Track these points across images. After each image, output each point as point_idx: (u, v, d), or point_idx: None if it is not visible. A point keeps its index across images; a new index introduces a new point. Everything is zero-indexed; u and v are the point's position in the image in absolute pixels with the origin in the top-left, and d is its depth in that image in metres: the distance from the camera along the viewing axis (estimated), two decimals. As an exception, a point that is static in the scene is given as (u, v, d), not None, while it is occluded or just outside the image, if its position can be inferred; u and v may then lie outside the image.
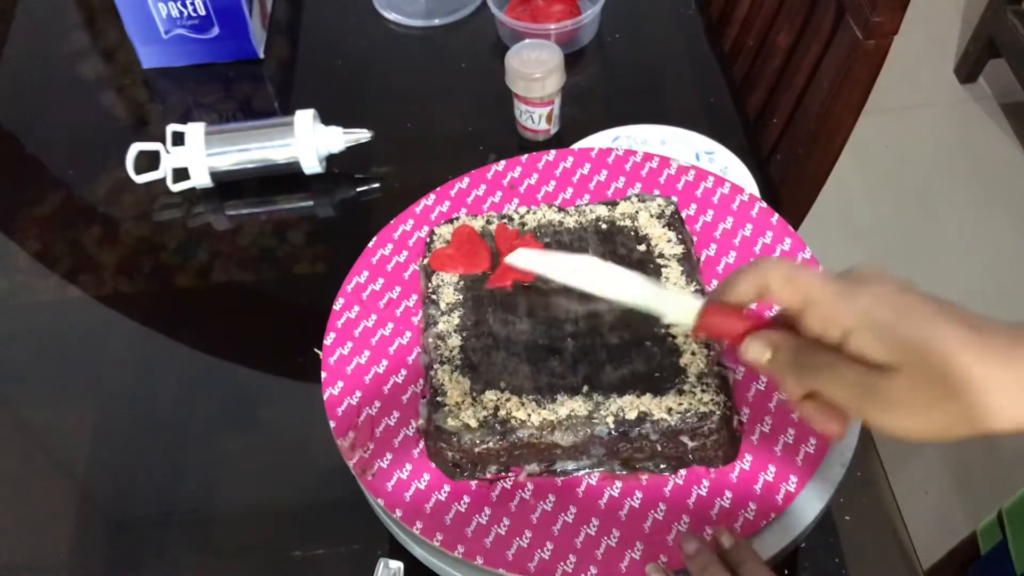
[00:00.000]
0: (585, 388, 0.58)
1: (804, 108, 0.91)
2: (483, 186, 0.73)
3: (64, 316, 0.84)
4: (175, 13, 0.95)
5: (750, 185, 0.81)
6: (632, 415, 0.56)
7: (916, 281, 0.42)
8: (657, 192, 0.71)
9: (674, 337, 0.60)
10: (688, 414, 0.56)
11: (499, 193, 0.73)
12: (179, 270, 0.84)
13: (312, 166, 0.86)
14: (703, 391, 0.57)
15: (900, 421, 0.40)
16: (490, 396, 0.58)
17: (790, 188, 0.94)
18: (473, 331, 0.62)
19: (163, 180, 0.87)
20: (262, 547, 0.69)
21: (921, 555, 0.65)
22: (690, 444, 0.56)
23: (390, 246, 0.71)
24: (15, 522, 0.71)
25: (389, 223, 0.72)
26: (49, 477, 0.75)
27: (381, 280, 0.69)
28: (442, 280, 0.65)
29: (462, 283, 0.65)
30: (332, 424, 0.61)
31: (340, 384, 0.63)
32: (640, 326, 0.61)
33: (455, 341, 0.62)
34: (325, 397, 0.62)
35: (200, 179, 0.86)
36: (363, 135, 0.87)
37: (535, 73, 0.84)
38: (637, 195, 0.69)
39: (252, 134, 0.86)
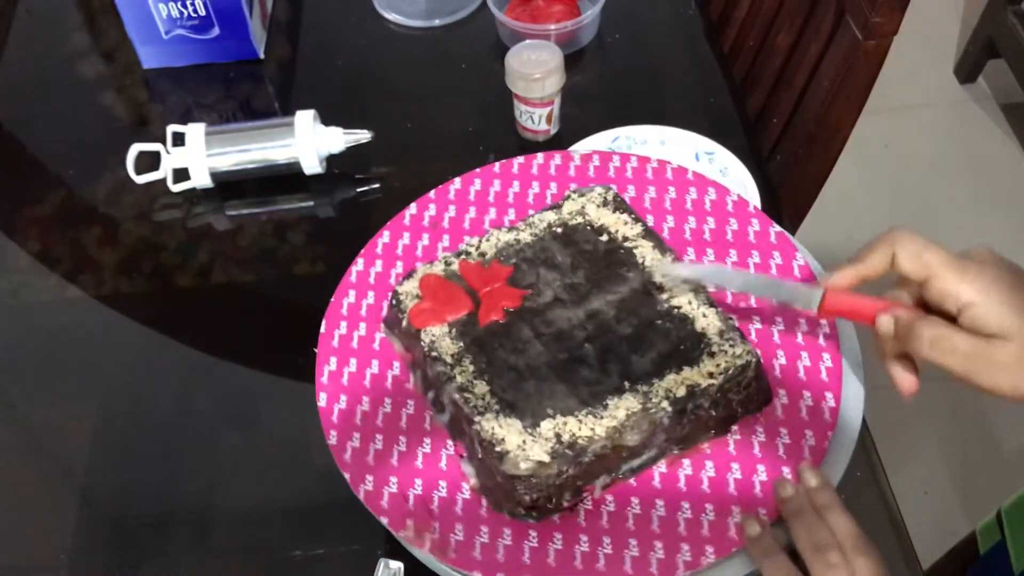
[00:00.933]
0: (625, 384, 0.58)
1: (804, 108, 0.91)
2: (406, 234, 0.71)
3: (64, 316, 0.84)
4: (175, 13, 0.95)
5: (750, 185, 0.81)
6: (682, 392, 0.57)
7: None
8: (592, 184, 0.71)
9: (679, 307, 0.61)
10: (729, 371, 0.57)
11: (426, 236, 0.71)
12: (179, 270, 0.85)
13: (312, 166, 0.86)
14: (731, 346, 0.58)
15: (1008, 382, 0.47)
16: (547, 426, 0.56)
17: (790, 188, 0.94)
18: (493, 372, 0.60)
19: (163, 180, 0.87)
20: (262, 547, 0.69)
21: (921, 555, 0.65)
22: (736, 399, 0.58)
23: (344, 324, 0.66)
24: (15, 522, 0.71)
25: (331, 301, 0.68)
26: (49, 477, 0.75)
27: (354, 360, 0.65)
28: (433, 335, 0.62)
29: (454, 331, 0.62)
30: (385, 520, 0.57)
31: (370, 478, 0.59)
32: (641, 308, 0.62)
33: (481, 388, 0.59)
34: (361, 496, 0.59)
35: (200, 179, 0.86)
36: (363, 135, 0.87)
37: (535, 73, 0.84)
38: (576, 191, 0.69)
39: (252, 134, 0.86)
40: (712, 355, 0.58)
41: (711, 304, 0.61)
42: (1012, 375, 0.46)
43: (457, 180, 0.73)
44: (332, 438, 0.61)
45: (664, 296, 0.62)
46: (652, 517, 0.56)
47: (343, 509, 0.67)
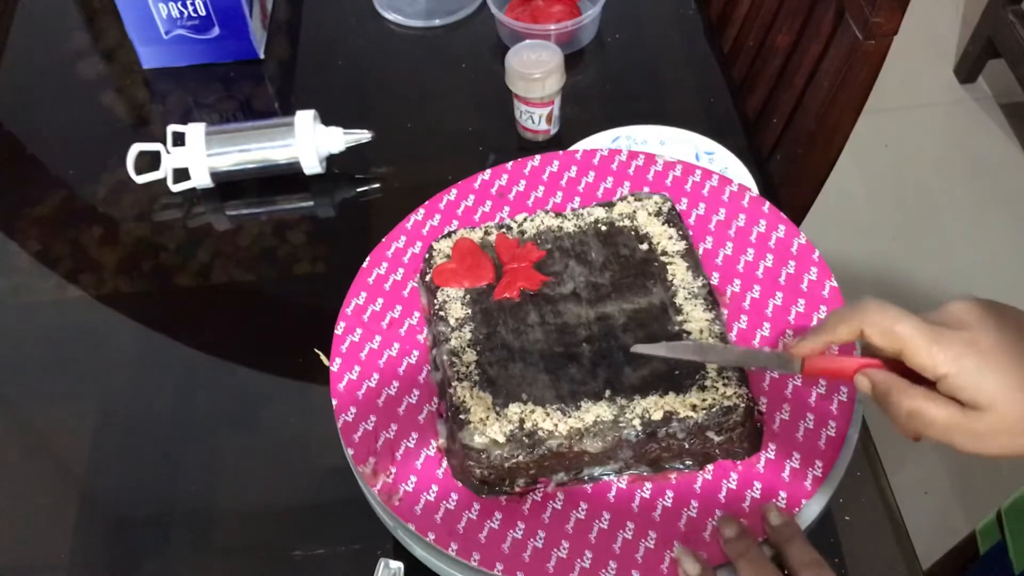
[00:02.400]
0: (608, 392, 0.58)
1: (804, 108, 0.91)
2: (472, 196, 0.73)
3: (64, 316, 0.84)
4: (175, 13, 0.95)
5: (750, 185, 0.81)
6: (658, 416, 0.56)
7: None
8: (646, 189, 0.71)
9: (688, 333, 0.60)
10: (713, 409, 0.56)
11: (489, 202, 0.72)
12: (179, 270, 0.85)
13: (312, 166, 0.86)
14: (724, 385, 0.57)
15: (993, 448, 0.45)
16: (514, 409, 0.57)
17: (790, 188, 0.94)
18: (487, 345, 0.61)
19: (163, 180, 0.87)
20: (262, 547, 0.69)
21: (921, 555, 0.65)
22: (716, 439, 0.56)
23: (385, 265, 0.70)
24: (15, 522, 0.71)
25: (381, 242, 0.71)
26: (49, 477, 0.75)
27: (381, 300, 0.68)
28: (448, 295, 0.64)
29: (468, 297, 0.64)
30: (350, 452, 0.60)
31: (353, 410, 0.62)
32: (653, 323, 0.62)
33: (470, 356, 0.61)
34: (339, 424, 0.61)
35: (200, 179, 0.86)
36: (363, 135, 0.87)
37: (535, 73, 0.84)
38: (633, 194, 0.69)
39: (252, 134, 0.86)
40: (703, 388, 0.57)
41: (723, 339, 0.60)
42: (995, 442, 0.45)
43: (537, 158, 0.74)
44: (335, 365, 0.64)
45: (679, 318, 0.61)
46: (593, 526, 0.56)
47: (343, 509, 0.68)
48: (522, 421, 0.57)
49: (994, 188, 1.80)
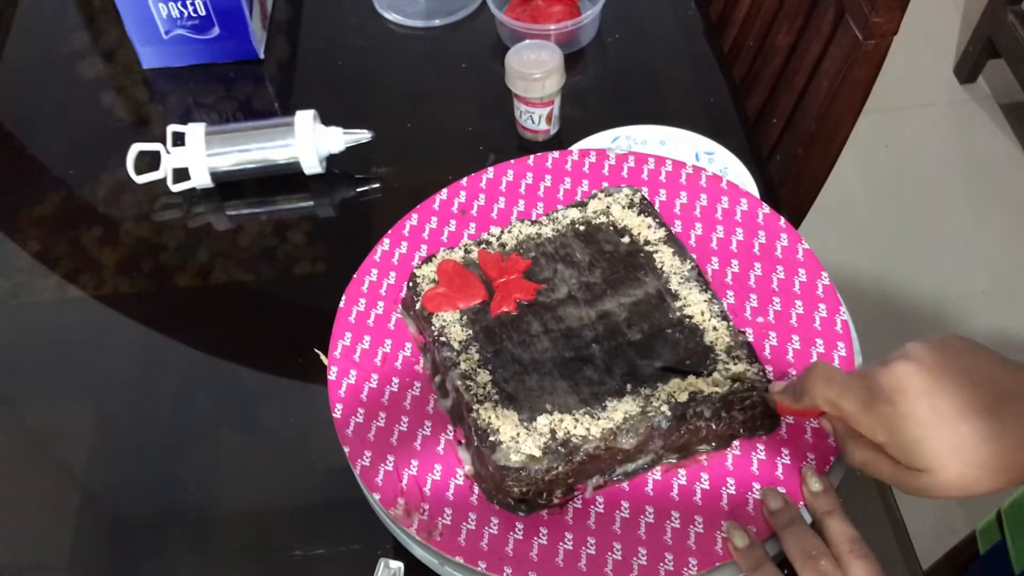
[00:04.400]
0: (628, 387, 0.58)
1: (804, 108, 0.91)
2: (434, 218, 0.72)
3: (64, 316, 0.84)
4: (175, 13, 0.95)
5: (750, 185, 0.81)
6: (683, 397, 0.57)
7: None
8: (623, 188, 0.71)
9: (691, 317, 0.61)
10: (735, 386, 0.57)
11: (453, 222, 0.71)
12: (179, 270, 0.85)
13: (312, 166, 0.86)
14: (735, 363, 0.58)
15: (931, 497, 0.48)
16: (543, 421, 0.57)
17: (790, 188, 0.94)
18: (497, 362, 0.60)
19: (163, 180, 0.87)
20: (262, 547, 0.69)
21: (921, 555, 0.65)
22: (740, 417, 0.57)
23: (363, 301, 0.68)
24: (15, 522, 0.71)
25: (352, 278, 0.69)
26: (49, 477, 0.75)
27: (368, 338, 0.66)
28: (444, 320, 0.63)
29: (465, 318, 0.63)
30: (377, 496, 0.58)
31: (368, 454, 0.60)
32: (654, 313, 0.62)
33: (484, 377, 0.59)
34: (358, 471, 0.60)
35: (200, 179, 0.86)
36: (363, 135, 0.87)
37: (535, 73, 0.84)
38: (603, 190, 0.69)
39: (252, 134, 0.86)
40: (717, 370, 0.58)
41: (724, 317, 0.61)
42: (938, 494, 0.47)
43: (491, 170, 0.74)
44: (337, 411, 0.62)
45: (678, 304, 0.62)
46: (640, 523, 0.56)
47: (343, 509, 0.68)
48: (553, 432, 0.56)
49: (994, 188, 1.80)
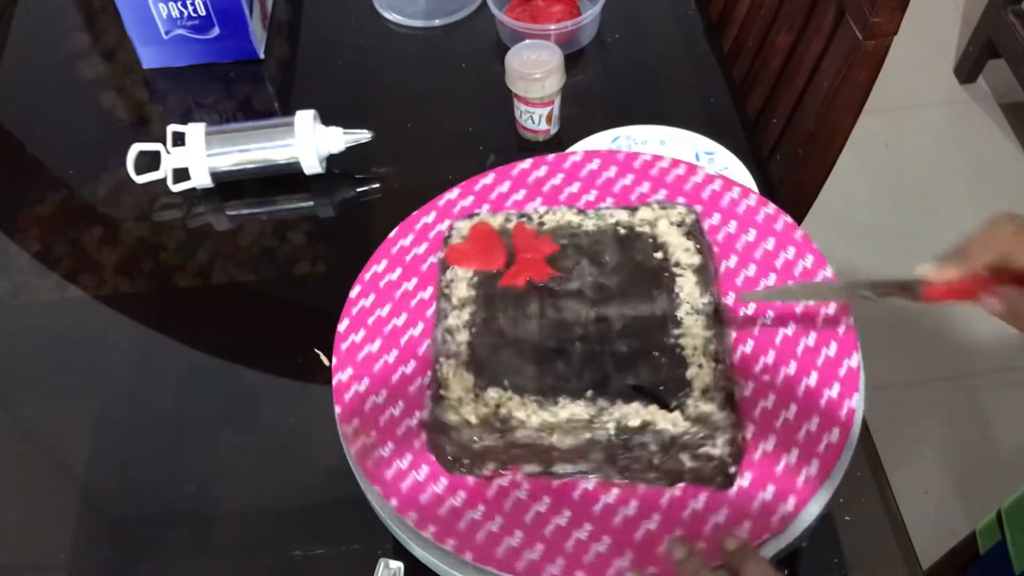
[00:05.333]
0: (589, 392, 0.58)
1: (804, 108, 0.91)
2: (507, 183, 0.73)
3: (64, 316, 0.84)
4: (175, 13, 0.95)
5: (750, 185, 0.81)
6: (635, 423, 0.56)
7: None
8: (683, 200, 0.70)
9: (683, 348, 0.60)
10: (691, 429, 0.55)
11: (523, 191, 0.73)
12: (179, 270, 0.84)
13: (312, 166, 0.86)
14: (706, 404, 0.56)
15: None
16: (492, 394, 0.58)
17: (790, 188, 0.94)
18: (482, 328, 0.62)
19: (163, 180, 0.87)
20: (262, 547, 0.69)
21: (921, 555, 0.65)
22: (688, 464, 0.56)
23: (411, 237, 0.71)
24: (15, 522, 0.71)
25: (411, 214, 0.72)
26: (49, 477, 0.75)
27: (399, 270, 0.69)
28: (456, 275, 0.65)
29: (476, 279, 0.65)
30: (338, 409, 0.61)
31: (350, 371, 0.63)
32: (650, 333, 0.61)
33: (463, 337, 0.62)
34: (334, 383, 0.63)
35: (200, 179, 0.86)
36: (363, 135, 0.87)
37: (535, 73, 0.84)
38: (659, 202, 0.68)
39: (252, 134, 0.86)
40: (684, 407, 0.57)
41: (717, 359, 0.59)
42: None
43: (579, 153, 0.74)
44: (342, 326, 0.66)
45: (677, 332, 0.61)
46: (550, 521, 0.56)
47: (343, 509, 0.68)
48: (498, 407, 0.58)
49: (994, 188, 1.80)
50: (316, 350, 0.72)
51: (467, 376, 0.60)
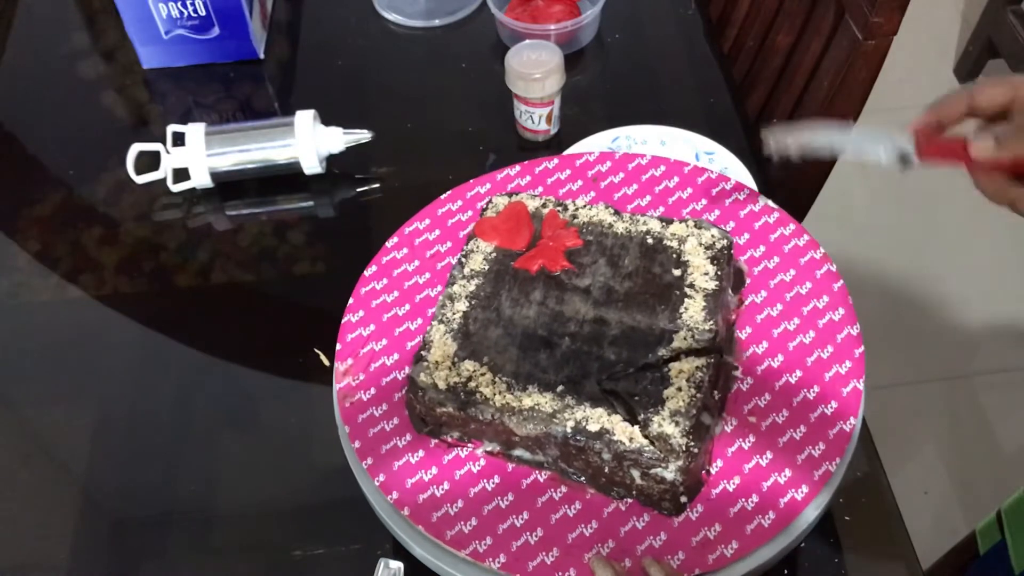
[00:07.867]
0: (560, 388, 0.58)
1: (804, 108, 0.91)
2: (568, 171, 0.75)
3: (64, 316, 0.84)
4: (175, 13, 0.95)
5: (750, 185, 0.81)
6: (593, 428, 0.56)
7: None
8: (732, 225, 0.69)
9: (668, 369, 0.59)
10: (647, 448, 0.55)
11: (580, 181, 0.74)
12: (179, 270, 0.85)
13: (312, 166, 0.86)
14: (671, 425, 0.55)
15: None
16: (468, 366, 0.60)
17: (790, 188, 0.94)
18: (482, 302, 0.64)
19: (163, 180, 0.87)
20: (262, 547, 0.69)
21: (921, 555, 0.65)
22: (637, 480, 0.55)
23: (460, 203, 0.73)
24: (15, 522, 0.71)
25: (465, 183, 0.74)
26: (49, 477, 0.75)
27: (437, 231, 0.71)
28: (477, 246, 0.67)
29: (494, 255, 0.67)
30: (339, 347, 0.65)
31: (360, 313, 0.67)
32: (639, 347, 0.60)
33: (461, 306, 0.63)
34: (343, 321, 0.65)
35: (200, 179, 0.86)
36: (363, 135, 0.87)
37: (535, 73, 0.84)
38: (695, 220, 0.67)
39: (252, 134, 0.86)
40: (648, 425, 0.56)
41: (699, 388, 0.57)
42: None
43: (646, 157, 0.75)
44: (369, 271, 0.69)
45: (667, 351, 0.59)
46: (492, 500, 0.57)
47: (343, 509, 0.68)
48: (468, 380, 0.59)
49: (994, 188, 1.80)
50: (316, 350, 0.72)
51: (451, 343, 0.61)
